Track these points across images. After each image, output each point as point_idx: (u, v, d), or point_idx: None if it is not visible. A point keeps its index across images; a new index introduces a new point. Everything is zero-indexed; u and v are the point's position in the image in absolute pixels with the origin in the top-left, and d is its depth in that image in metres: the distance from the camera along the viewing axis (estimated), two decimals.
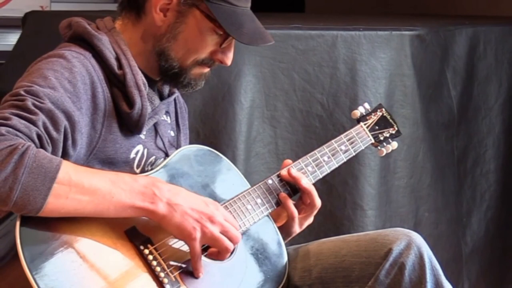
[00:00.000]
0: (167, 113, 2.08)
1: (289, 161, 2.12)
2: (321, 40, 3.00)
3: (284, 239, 2.10)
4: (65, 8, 4.73)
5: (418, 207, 3.13)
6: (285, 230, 2.10)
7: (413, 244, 1.99)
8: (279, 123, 2.95)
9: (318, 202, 2.09)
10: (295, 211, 2.07)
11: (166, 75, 2.00)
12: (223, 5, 1.94)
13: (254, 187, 2.04)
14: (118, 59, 1.94)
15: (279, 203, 2.05)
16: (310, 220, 2.13)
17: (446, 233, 3.24)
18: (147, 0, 1.95)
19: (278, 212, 2.10)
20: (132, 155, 1.95)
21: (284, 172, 2.08)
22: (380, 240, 2.03)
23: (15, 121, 1.71)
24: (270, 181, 2.06)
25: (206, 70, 2.02)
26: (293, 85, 2.97)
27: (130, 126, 1.94)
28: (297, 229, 2.11)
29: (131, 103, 1.92)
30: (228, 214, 1.90)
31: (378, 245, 2.02)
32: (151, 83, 2.01)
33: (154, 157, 2.00)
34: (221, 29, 1.94)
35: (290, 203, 2.06)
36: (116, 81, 1.93)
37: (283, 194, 2.06)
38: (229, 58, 2.00)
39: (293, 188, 2.08)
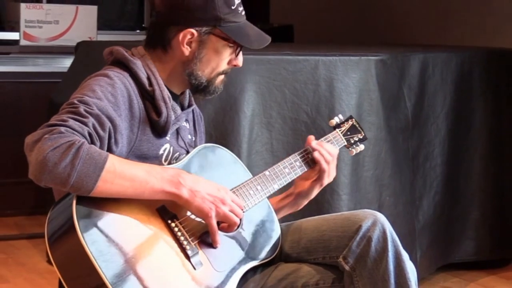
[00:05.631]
0: (186, 120, 2.08)
1: (312, 137, 2.14)
2: (306, 63, 2.99)
3: (297, 206, 2.16)
4: (108, 38, 4.73)
5: (381, 193, 3.12)
6: (301, 196, 2.16)
7: (378, 222, 1.98)
8: (273, 127, 2.94)
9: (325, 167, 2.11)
10: (324, 166, 2.09)
11: (197, 89, 2.01)
12: (231, 25, 1.94)
13: (255, 177, 2.03)
14: (148, 79, 1.94)
15: (274, 189, 2.04)
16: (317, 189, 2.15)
17: (403, 213, 3.24)
18: (173, 38, 1.95)
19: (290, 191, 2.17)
20: (161, 151, 1.95)
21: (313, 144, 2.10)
22: (352, 219, 2.02)
23: (71, 122, 1.72)
24: (267, 173, 2.05)
25: (223, 76, 2.03)
26: (285, 98, 2.96)
27: (158, 130, 1.94)
28: (315, 191, 2.15)
29: (159, 113, 1.92)
30: (235, 196, 1.91)
31: (351, 223, 2.01)
32: (174, 97, 2.01)
33: (178, 153, 2.00)
34: (234, 44, 1.96)
35: (321, 161, 2.09)
36: (147, 96, 1.93)
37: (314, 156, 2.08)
38: (241, 61, 2.01)
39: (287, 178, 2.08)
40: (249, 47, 1.98)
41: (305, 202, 2.17)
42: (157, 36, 1.97)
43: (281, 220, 2.13)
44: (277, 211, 2.15)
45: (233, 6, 1.95)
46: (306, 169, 2.11)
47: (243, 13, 2.00)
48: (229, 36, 1.94)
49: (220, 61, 1.98)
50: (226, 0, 1.93)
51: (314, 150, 2.10)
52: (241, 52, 2.00)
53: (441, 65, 3.48)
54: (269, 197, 2.08)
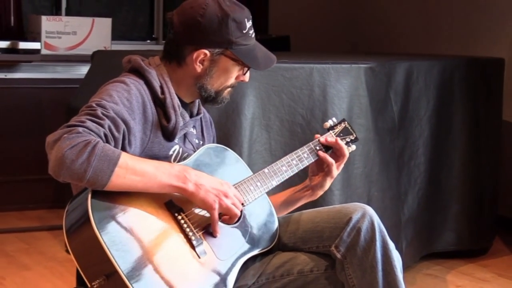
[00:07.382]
0: (194, 127, 2.08)
1: (317, 135, 2.15)
2: (302, 70, 2.99)
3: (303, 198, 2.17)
4: (121, 48, 4.74)
5: (370, 188, 3.12)
6: (313, 191, 2.16)
7: (367, 214, 1.98)
8: (272, 129, 2.94)
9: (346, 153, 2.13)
10: (331, 160, 2.10)
11: (207, 100, 2.02)
12: (241, 47, 1.95)
13: (255, 174, 2.04)
14: (161, 87, 1.94)
15: (273, 186, 2.04)
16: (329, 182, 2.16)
17: (389, 207, 3.24)
18: (188, 56, 1.96)
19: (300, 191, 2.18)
20: (171, 152, 1.96)
21: (322, 139, 2.13)
22: (343, 211, 2.02)
23: (89, 123, 1.73)
24: (266, 170, 2.05)
25: (231, 89, 2.04)
26: (282, 102, 2.96)
27: (167, 135, 1.95)
28: (328, 183, 2.14)
29: (168, 119, 1.93)
30: (237, 191, 1.91)
31: (342, 215, 2.01)
32: (184, 104, 2.01)
33: (186, 153, 2.00)
34: (243, 65, 1.97)
35: (327, 156, 2.10)
36: (159, 102, 1.94)
37: (321, 153, 2.10)
38: (248, 77, 2.03)
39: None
40: (256, 69, 1.99)
41: (321, 192, 2.16)
42: (173, 53, 1.98)
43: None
44: (296, 200, 2.17)
45: (245, 30, 1.95)
46: (302, 167, 2.11)
47: (253, 35, 2.00)
48: (239, 58, 1.95)
49: (229, 78, 1.99)
50: (239, 25, 1.94)
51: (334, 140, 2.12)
52: (249, 71, 2.01)
53: (425, 72, 3.49)
54: (273, 192, 2.08)
